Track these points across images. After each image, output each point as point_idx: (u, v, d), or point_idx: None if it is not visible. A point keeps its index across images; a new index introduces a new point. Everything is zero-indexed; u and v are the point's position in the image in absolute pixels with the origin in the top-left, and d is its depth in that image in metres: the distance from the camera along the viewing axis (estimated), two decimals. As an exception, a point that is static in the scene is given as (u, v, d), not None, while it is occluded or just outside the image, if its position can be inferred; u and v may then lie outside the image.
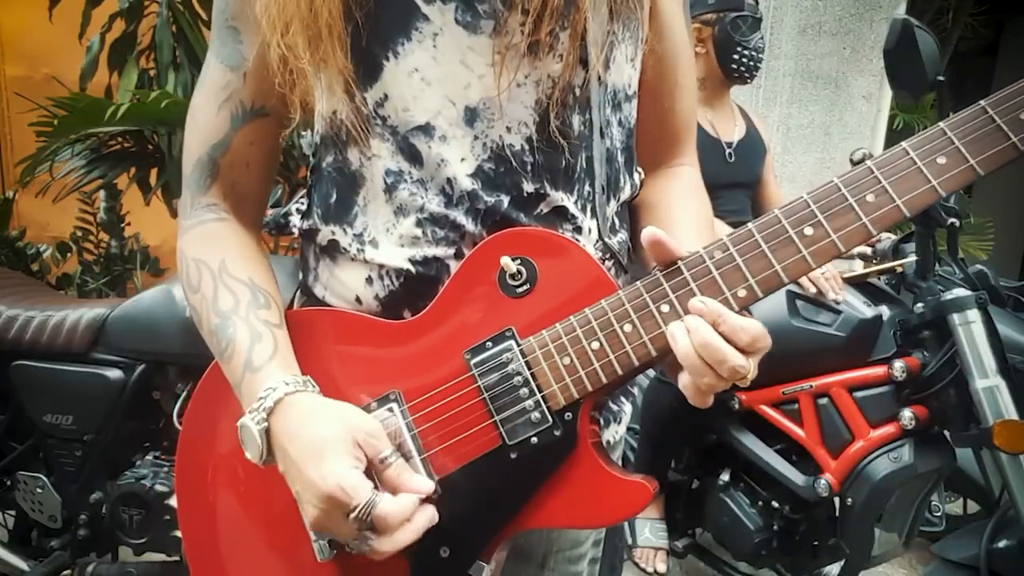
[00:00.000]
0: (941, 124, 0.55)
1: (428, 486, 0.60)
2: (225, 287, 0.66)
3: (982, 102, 0.54)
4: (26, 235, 3.12)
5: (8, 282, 1.74)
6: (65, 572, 1.58)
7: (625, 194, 0.73)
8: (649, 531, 1.94)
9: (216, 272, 0.67)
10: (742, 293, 0.58)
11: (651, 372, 1.95)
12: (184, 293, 0.70)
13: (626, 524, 1.94)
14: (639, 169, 0.76)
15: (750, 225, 0.59)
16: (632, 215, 0.78)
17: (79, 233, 3.09)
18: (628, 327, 0.60)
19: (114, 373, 1.49)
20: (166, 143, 2.45)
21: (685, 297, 0.59)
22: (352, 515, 0.55)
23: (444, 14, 0.61)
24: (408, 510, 0.57)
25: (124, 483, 1.49)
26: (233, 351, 0.63)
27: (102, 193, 2.94)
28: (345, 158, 0.67)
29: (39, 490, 1.57)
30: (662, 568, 1.92)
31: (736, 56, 1.99)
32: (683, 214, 0.75)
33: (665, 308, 0.59)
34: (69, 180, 2.59)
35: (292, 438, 0.58)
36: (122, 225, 3.12)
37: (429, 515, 0.60)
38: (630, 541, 1.94)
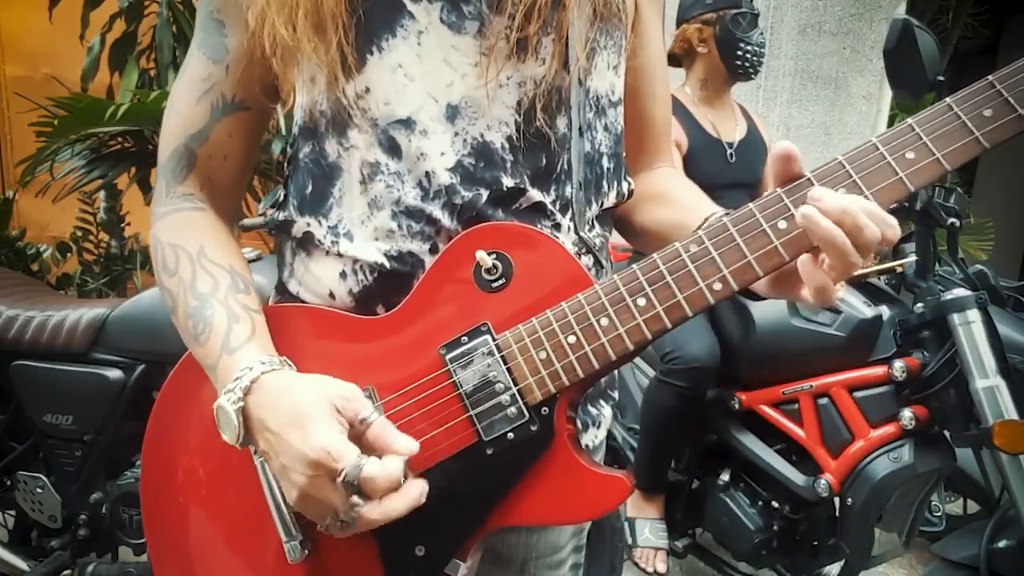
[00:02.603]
0: (909, 120, 0.56)
1: (412, 446, 0.58)
2: (204, 270, 0.66)
3: (947, 99, 0.56)
4: (26, 235, 3.12)
5: (8, 282, 1.74)
6: (65, 572, 1.58)
7: (609, 200, 0.73)
8: (649, 531, 1.94)
9: (195, 256, 0.67)
10: (717, 286, 0.58)
11: (651, 372, 1.95)
12: (158, 277, 0.68)
13: (626, 524, 1.94)
14: (629, 179, 0.76)
15: (725, 219, 0.59)
16: (633, 208, 0.80)
17: (79, 233, 3.09)
18: (604, 320, 0.60)
19: (114, 373, 1.49)
20: (166, 143, 2.45)
21: (661, 290, 0.59)
22: (339, 479, 0.54)
23: (430, 13, 0.62)
24: (395, 473, 0.55)
25: (124, 483, 1.49)
26: (210, 333, 0.63)
27: (102, 193, 2.94)
28: (322, 149, 0.67)
29: (39, 490, 1.57)
30: (662, 568, 1.92)
31: (740, 53, 2.00)
32: (702, 199, 0.77)
33: (641, 301, 0.59)
34: (69, 180, 2.59)
35: (272, 411, 0.58)
36: (122, 225, 3.12)
37: (421, 486, 0.58)
38: (630, 541, 1.94)
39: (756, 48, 2.01)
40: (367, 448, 0.57)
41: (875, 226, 0.54)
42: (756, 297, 0.66)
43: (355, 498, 0.55)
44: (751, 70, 2.04)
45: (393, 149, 0.64)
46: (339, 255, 0.66)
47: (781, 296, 0.62)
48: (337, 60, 0.62)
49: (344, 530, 0.58)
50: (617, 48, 0.71)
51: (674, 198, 0.78)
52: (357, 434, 0.57)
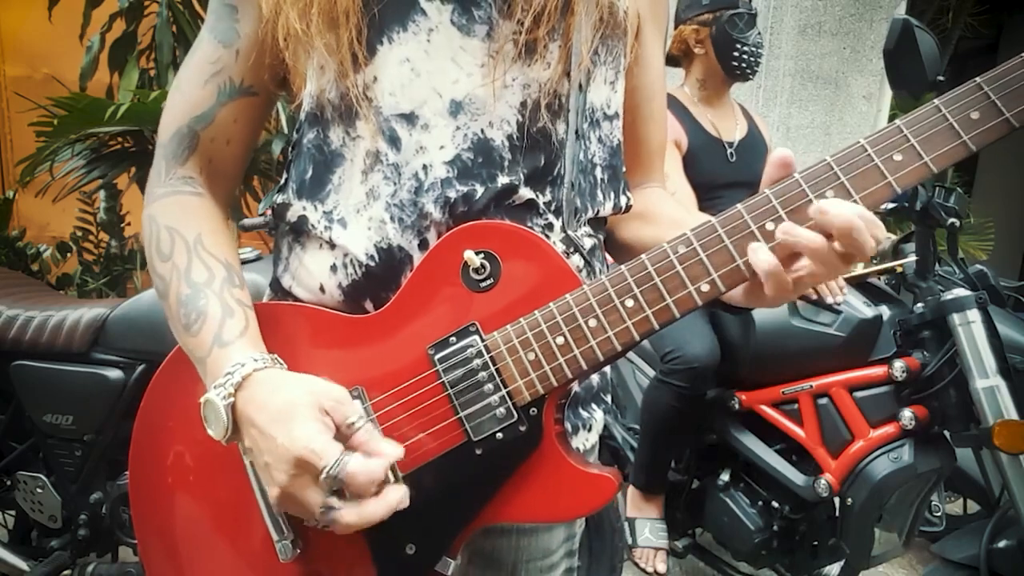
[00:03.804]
0: (898, 121, 0.56)
1: (398, 451, 0.58)
2: (200, 260, 0.66)
3: (936, 101, 0.55)
4: (26, 235, 3.12)
5: (8, 282, 1.74)
6: (65, 572, 1.58)
7: (605, 209, 0.73)
8: (649, 531, 1.94)
9: (191, 244, 0.66)
10: (705, 288, 0.58)
11: (651, 372, 1.95)
12: (149, 259, 0.68)
13: (626, 524, 1.94)
14: (629, 194, 0.77)
15: (713, 220, 0.59)
16: (617, 224, 0.81)
17: (79, 233, 3.09)
18: (593, 322, 0.60)
19: (114, 373, 1.49)
20: (166, 143, 2.45)
21: (649, 292, 0.59)
22: (322, 476, 0.54)
23: (441, 13, 0.63)
24: (378, 472, 0.56)
25: (124, 483, 1.49)
26: (203, 324, 0.63)
27: (102, 193, 2.94)
28: (326, 136, 0.67)
29: (39, 490, 1.57)
30: (662, 568, 1.92)
31: (736, 53, 2.00)
32: (676, 214, 0.79)
33: (630, 303, 0.59)
34: (69, 180, 2.59)
35: (260, 408, 0.58)
36: (122, 225, 3.12)
37: (401, 492, 0.58)
38: (630, 541, 1.94)
39: (753, 48, 2.01)
40: (351, 449, 0.57)
41: (866, 230, 0.54)
42: (734, 310, 0.66)
43: (333, 500, 0.55)
44: (748, 71, 2.04)
45: (394, 141, 0.64)
46: (331, 245, 0.67)
47: (756, 305, 0.62)
48: (348, 54, 0.63)
49: (332, 525, 0.58)
50: (616, 64, 0.72)
51: (658, 216, 0.79)
52: (343, 438, 0.58)
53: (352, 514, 0.56)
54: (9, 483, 1.63)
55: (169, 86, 2.58)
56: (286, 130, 2.54)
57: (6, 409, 1.60)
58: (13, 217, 3.22)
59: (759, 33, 2.03)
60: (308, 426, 0.56)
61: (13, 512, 1.70)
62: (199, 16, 2.72)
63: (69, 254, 3.07)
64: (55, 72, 3.17)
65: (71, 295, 2.77)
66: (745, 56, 2.00)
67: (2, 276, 1.80)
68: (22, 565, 1.57)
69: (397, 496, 0.58)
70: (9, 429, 1.61)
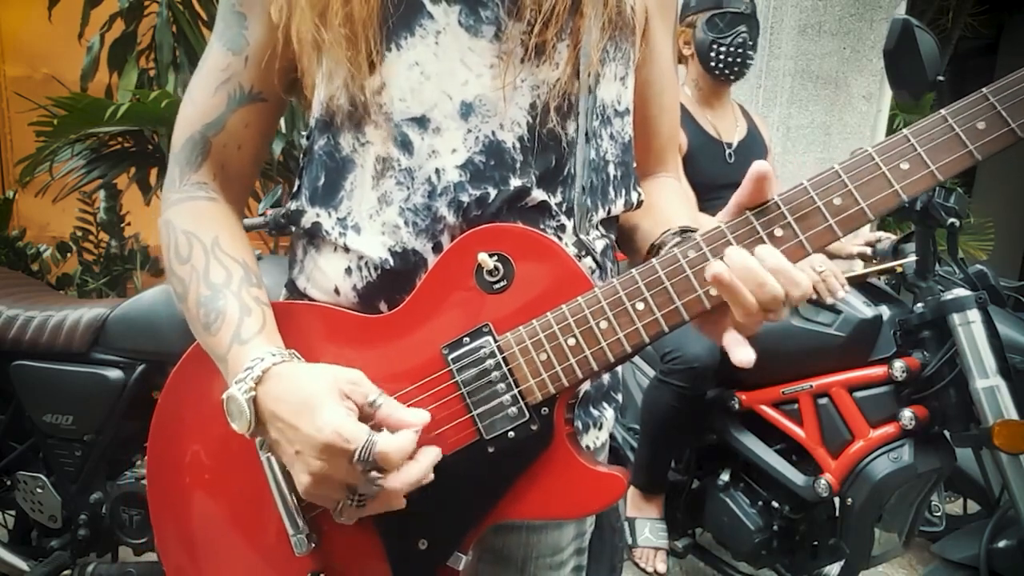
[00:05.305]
0: (905, 131, 0.57)
1: (423, 416, 0.60)
2: (218, 262, 0.67)
3: (943, 111, 0.57)
4: (26, 235, 3.12)
5: (8, 282, 1.74)
6: (65, 572, 1.58)
7: (617, 207, 0.74)
8: (649, 531, 1.94)
9: (209, 247, 0.68)
10: (714, 292, 0.59)
11: (651, 372, 1.95)
12: (168, 263, 0.69)
13: (626, 524, 1.94)
14: (639, 189, 0.77)
15: (722, 225, 0.60)
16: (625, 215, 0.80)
17: (79, 233, 3.09)
18: (604, 324, 0.61)
19: (114, 373, 1.49)
20: (166, 143, 2.46)
21: (659, 295, 0.60)
22: (354, 458, 0.56)
23: (448, 15, 0.63)
24: (408, 445, 0.58)
25: (124, 483, 1.49)
26: (222, 323, 0.64)
27: (102, 193, 2.95)
28: (337, 143, 0.68)
29: (39, 490, 1.57)
30: (662, 568, 1.92)
31: (713, 54, 1.98)
32: (676, 211, 0.79)
33: (640, 306, 0.61)
34: (69, 180, 2.59)
35: (280, 400, 0.59)
36: (122, 225, 3.12)
37: (434, 452, 0.60)
38: (630, 541, 1.94)
39: (732, 49, 1.97)
40: (377, 428, 0.58)
41: (778, 284, 0.56)
42: None
43: (373, 473, 0.57)
44: (727, 71, 2.00)
45: (406, 145, 0.65)
46: (345, 249, 0.67)
47: (709, 336, 0.63)
48: (360, 62, 0.63)
49: (358, 511, 0.60)
50: (625, 60, 0.72)
51: (652, 207, 0.80)
52: (367, 416, 0.59)
53: (396, 480, 0.58)
54: (9, 483, 1.63)
55: (169, 86, 2.58)
56: (284, 130, 2.54)
57: (6, 409, 1.60)
58: (13, 217, 3.22)
59: (746, 32, 1.99)
60: (333, 411, 0.57)
61: (13, 512, 1.70)
62: (199, 16, 2.72)
63: (69, 254, 3.07)
64: (55, 72, 3.17)
65: (71, 295, 2.77)
66: (723, 56, 1.97)
67: (2, 276, 1.80)
68: (22, 565, 1.57)
69: (430, 457, 0.60)
70: (9, 429, 1.61)
